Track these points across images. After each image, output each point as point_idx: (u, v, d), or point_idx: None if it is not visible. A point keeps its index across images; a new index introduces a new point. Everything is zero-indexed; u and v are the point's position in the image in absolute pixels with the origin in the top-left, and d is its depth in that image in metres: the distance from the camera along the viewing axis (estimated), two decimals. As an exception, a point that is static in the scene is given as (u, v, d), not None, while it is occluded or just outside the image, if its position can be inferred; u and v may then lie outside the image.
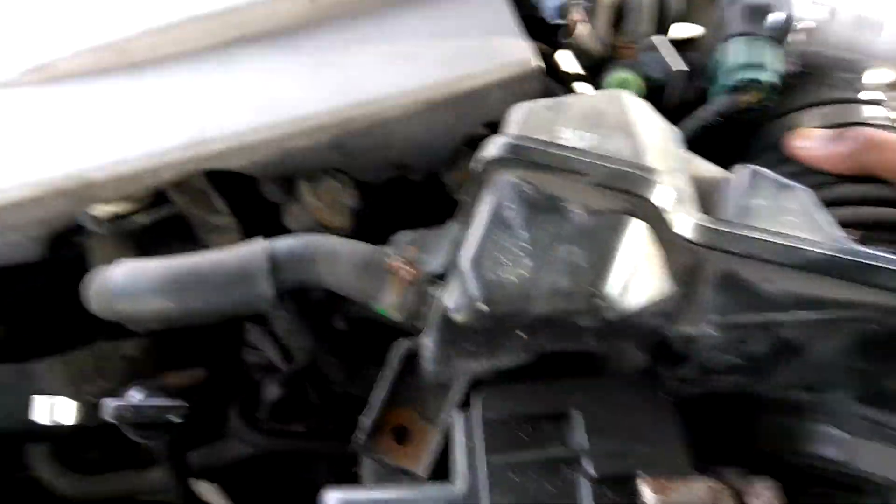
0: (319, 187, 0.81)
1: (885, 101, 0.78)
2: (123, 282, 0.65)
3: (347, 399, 0.83)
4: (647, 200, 0.48)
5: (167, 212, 0.81)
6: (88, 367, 0.88)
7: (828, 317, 0.46)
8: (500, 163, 0.50)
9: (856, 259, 0.46)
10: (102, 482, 0.88)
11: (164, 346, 0.92)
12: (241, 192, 0.82)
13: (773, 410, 0.55)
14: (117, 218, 0.79)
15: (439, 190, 0.88)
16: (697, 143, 0.73)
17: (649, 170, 0.49)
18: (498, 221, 0.48)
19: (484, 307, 0.46)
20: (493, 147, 0.51)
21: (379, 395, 0.59)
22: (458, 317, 0.48)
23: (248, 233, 0.84)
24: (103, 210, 0.78)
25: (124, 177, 0.74)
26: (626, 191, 0.48)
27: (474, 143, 0.84)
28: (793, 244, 0.47)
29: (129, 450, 0.88)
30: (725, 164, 0.60)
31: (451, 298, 0.48)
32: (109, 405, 0.65)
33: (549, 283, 0.46)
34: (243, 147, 0.75)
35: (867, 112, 0.76)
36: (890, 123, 0.77)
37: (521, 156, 0.50)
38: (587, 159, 0.49)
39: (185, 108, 0.77)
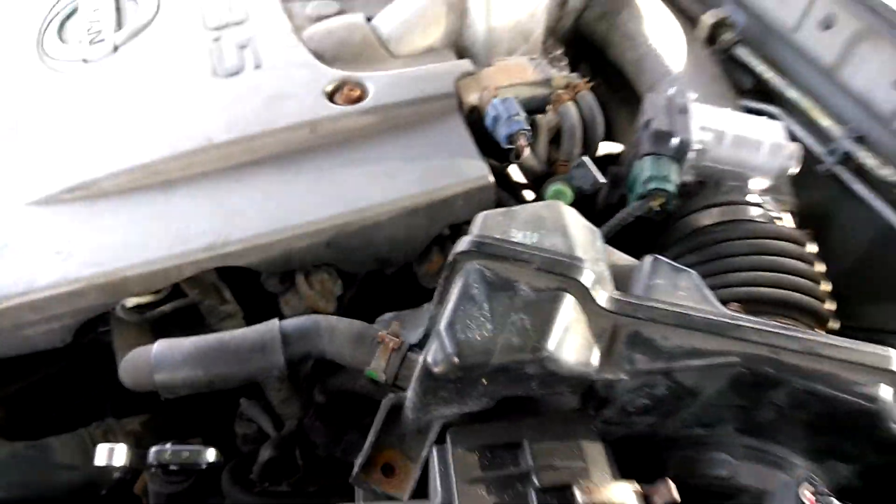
0: (312, 278, 0.96)
1: (766, 202, 0.98)
2: (162, 356, 0.79)
3: (330, 461, 0.95)
4: (576, 281, 0.64)
5: (182, 302, 0.95)
6: (98, 440, 0.98)
7: (708, 363, 0.63)
8: (467, 255, 0.66)
9: (725, 320, 0.63)
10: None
11: (162, 421, 1.03)
12: (244, 285, 0.97)
13: (677, 446, 0.71)
14: (142, 308, 0.93)
15: (410, 280, 1.04)
16: (620, 238, 0.91)
17: (578, 259, 0.66)
18: (466, 296, 0.64)
19: (456, 360, 0.61)
20: (462, 244, 0.67)
21: (369, 439, 0.71)
22: (437, 369, 0.62)
23: (249, 319, 0.98)
24: (131, 301, 0.91)
25: (153, 274, 0.88)
26: (561, 274, 0.65)
27: (441, 240, 1.01)
28: (681, 311, 0.64)
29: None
30: (642, 253, 0.76)
31: (430, 355, 0.63)
32: (151, 450, 0.77)
33: (505, 341, 0.62)
34: (255, 248, 0.90)
35: (752, 211, 0.96)
36: (772, 219, 0.96)
37: (483, 250, 0.66)
38: (531, 252, 0.66)
39: (207, 217, 0.91)
